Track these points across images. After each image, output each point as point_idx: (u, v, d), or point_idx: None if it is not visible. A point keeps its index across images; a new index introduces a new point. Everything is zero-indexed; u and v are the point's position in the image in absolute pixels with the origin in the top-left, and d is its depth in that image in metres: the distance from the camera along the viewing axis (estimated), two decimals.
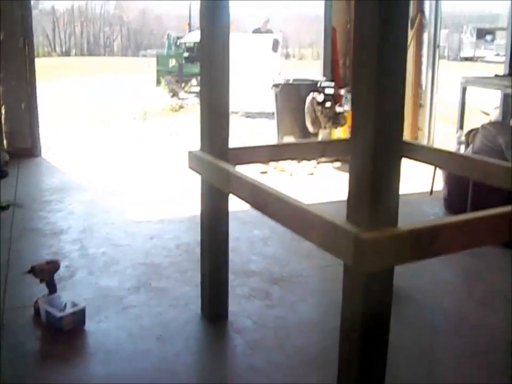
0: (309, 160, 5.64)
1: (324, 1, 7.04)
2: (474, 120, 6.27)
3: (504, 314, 2.88)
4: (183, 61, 13.40)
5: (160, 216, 4.36)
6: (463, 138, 4.77)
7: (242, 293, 3.08)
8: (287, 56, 31.64)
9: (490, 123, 4.75)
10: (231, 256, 2.85)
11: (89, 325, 2.71)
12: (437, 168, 4.47)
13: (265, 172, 5.57)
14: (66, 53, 34.75)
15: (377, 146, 1.53)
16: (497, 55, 21.40)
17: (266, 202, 2.00)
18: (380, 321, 1.71)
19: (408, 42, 6.33)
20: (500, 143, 4.24)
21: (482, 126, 4.51)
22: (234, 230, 3.78)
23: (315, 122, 6.03)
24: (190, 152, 2.66)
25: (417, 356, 2.52)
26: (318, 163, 5.85)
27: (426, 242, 1.64)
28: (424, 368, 2.43)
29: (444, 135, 7.18)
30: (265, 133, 8.02)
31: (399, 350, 2.42)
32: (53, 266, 2.92)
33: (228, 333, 2.74)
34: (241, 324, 2.77)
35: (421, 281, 3.27)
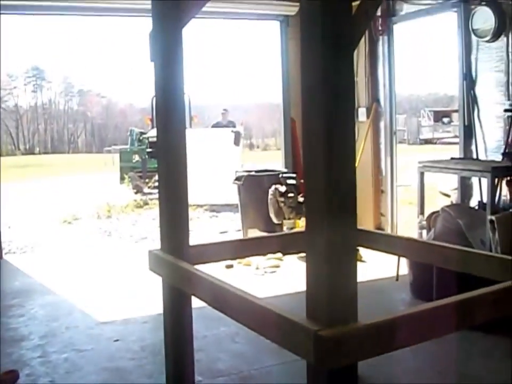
0: (274, 253, 5.62)
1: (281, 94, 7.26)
2: (435, 203, 6.38)
3: None
4: (146, 156, 13.50)
5: (124, 315, 4.27)
6: (424, 222, 4.84)
7: None
8: (251, 146, 32.26)
9: (450, 205, 4.84)
10: (198, 356, 2.78)
11: None
12: None
13: (231, 266, 5.51)
14: (30, 151, 34.81)
15: (332, 245, 1.54)
16: (455, 136, 22.15)
17: (226, 301, 1.97)
18: None
19: (365, 132, 6.53)
20: (461, 225, 4.31)
21: (442, 209, 4.60)
22: (201, 328, 3.71)
23: (279, 213, 6.07)
24: (150, 252, 2.63)
25: None
26: (284, 254, 5.83)
27: (387, 335, 1.63)
28: None
29: (408, 218, 7.27)
30: (230, 228, 8.07)
31: None
32: (12, 376, 2.81)
33: None
34: None
35: (388, 369, 3.17)
